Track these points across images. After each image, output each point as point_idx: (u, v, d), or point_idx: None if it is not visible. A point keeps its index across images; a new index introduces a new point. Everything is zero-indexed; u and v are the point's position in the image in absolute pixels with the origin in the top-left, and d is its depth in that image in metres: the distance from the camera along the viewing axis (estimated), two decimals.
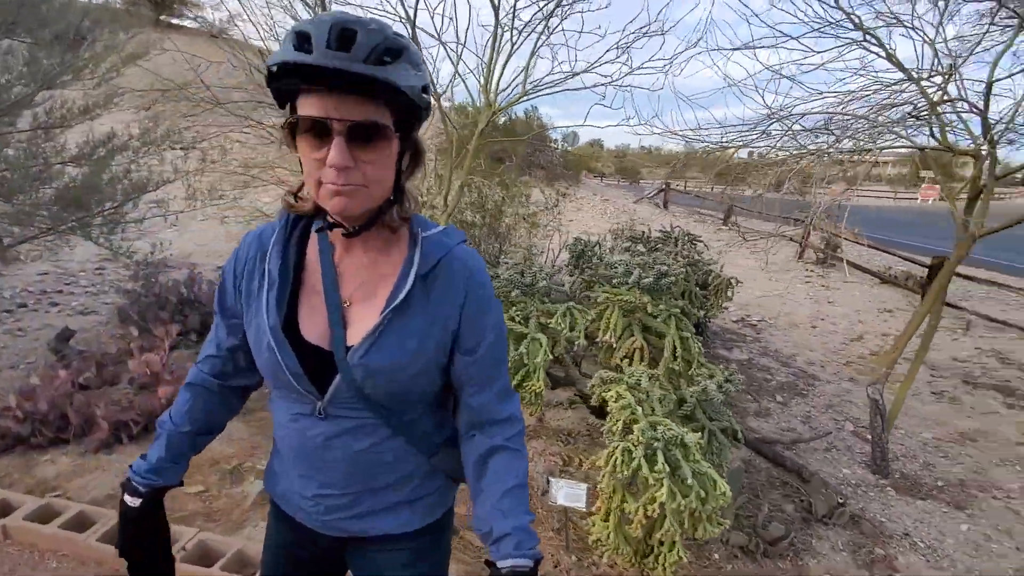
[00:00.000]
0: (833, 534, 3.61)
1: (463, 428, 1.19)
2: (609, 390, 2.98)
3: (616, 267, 3.69)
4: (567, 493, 3.26)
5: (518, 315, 3.61)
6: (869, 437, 4.98)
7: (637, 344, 3.59)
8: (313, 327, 1.07)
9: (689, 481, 2.47)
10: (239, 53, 4.30)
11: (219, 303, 1.19)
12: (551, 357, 3.27)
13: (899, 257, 9.48)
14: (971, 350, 7.11)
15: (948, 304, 8.71)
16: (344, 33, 0.85)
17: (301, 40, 0.86)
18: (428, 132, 7.22)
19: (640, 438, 2.55)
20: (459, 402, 1.18)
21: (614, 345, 3.67)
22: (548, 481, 4.16)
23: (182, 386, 1.28)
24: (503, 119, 11.87)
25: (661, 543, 2.64)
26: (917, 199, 33.61)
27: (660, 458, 2.49)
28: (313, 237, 1.12)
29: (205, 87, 4.04)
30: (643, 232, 6.98)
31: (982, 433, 5.03)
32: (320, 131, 0.91)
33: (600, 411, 4.50)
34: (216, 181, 6.44)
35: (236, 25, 4.72)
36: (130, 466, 1.22)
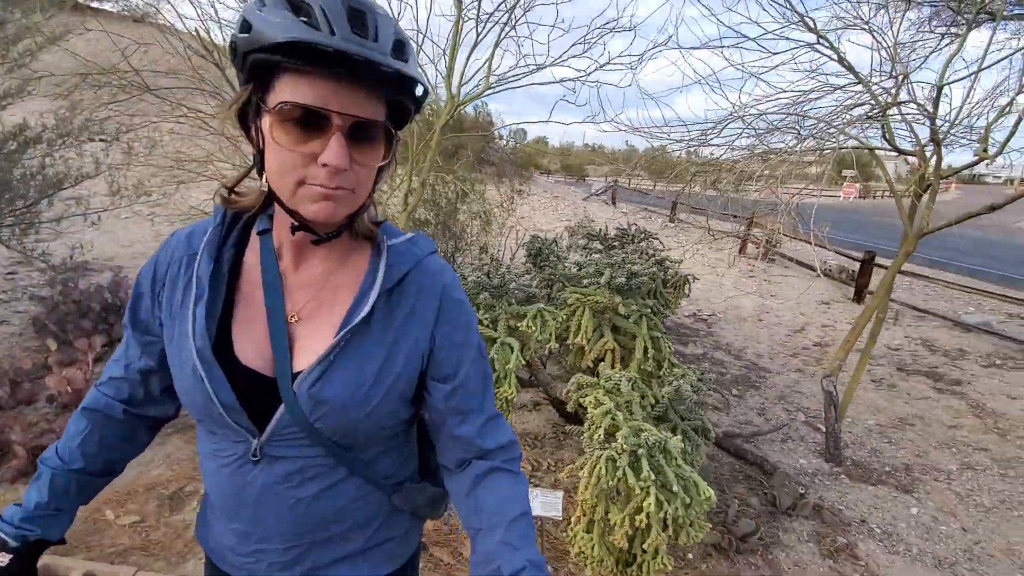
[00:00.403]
0: (798, 525, 3.68)
1: (450, 463, 1.03)
2: (586, 395, 2.88)
3: (586, 267, 3.60)
4: (543, 502, 3.14)
5: (486, 319, 3.45)
6: (821, 427, 5.18)
7: (608, 345, 3.52)
8: (251, 348, 0.89)
9: (675, 488, 2.40)
10: (171, 36, 3.88)
11: (131, 315, 0.98)
12: (523, 362, 3.13)
13: (834, 251, 10.04)
14: (901, 339, 7.59)
15: (873, 294, 9.29)
16: (355, 14, 0.72)
17: (300, 11, 0.69)
18: None
19: (624, 445, 2.45)
20: (440, 435, 1.02)
21: (585, 347, 3.58)
22: None
23: (76, 412, 1.04)
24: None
25: (644, 551, 2.57)
26: (839, 196, 35.92)
27: (645, 465, 2.41)
28: (254, 240, 0.94)
29: (133, 71, 3.61)
30: (600, 229, 6.96)
31: (918, 418, 5.34)
32: (313, 123, 0.75)
33: (569, 414, 4.41)
34: (144, 176, 5.88)
35: (163, 8, 4.27)
36: None
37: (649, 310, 3.59)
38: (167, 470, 4.04)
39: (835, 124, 3.95)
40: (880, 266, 9.64)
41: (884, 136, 3.70)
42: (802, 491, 3.98)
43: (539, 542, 3.46)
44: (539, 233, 6.01)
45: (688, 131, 3.75)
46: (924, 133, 3.75)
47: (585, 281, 3.49)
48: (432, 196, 7.67)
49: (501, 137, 17.29)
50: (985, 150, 3.23)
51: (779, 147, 3.87)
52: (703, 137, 3.90)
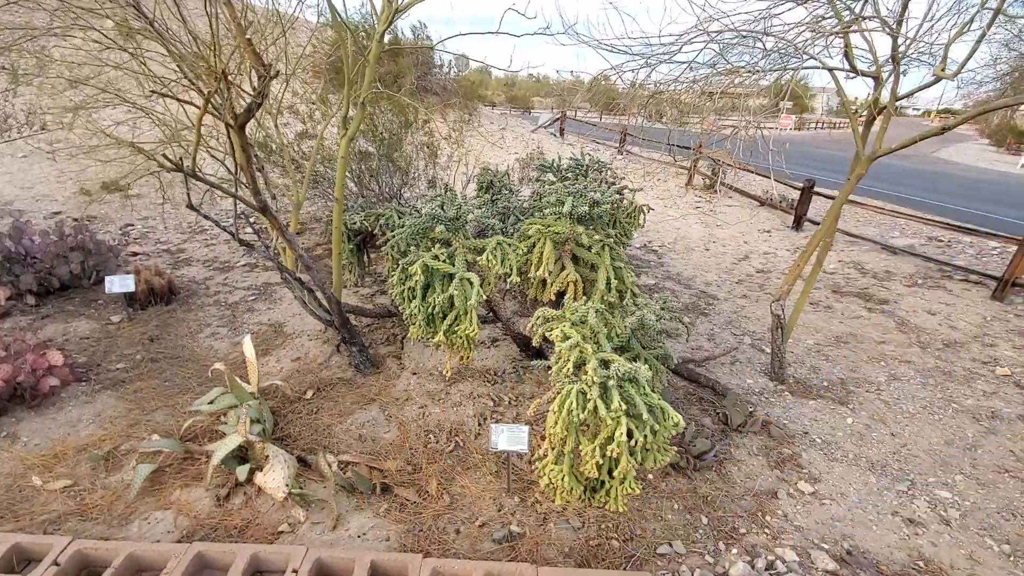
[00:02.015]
0: (748, 441, 3.86)
1: None
2: (552, 329, 2.77)
3: (547, 196, 3.40)
4: (508, 437, 3.09)
5: (442, 253, 3.23)
6: (765, 349, 5.41)
7: (571, 277, 3.40)
8: None
9: (644, 416, 2.37)
10: None
11: None
12: (484, 297, 2.98)
13: (777, 181, 10.27)
14: (836, 263, 7.96)
15: (811, 221, 9.65)
16: None
17: None
18: (307, 48, 6.19)
19: (594, 377, 2.38)
20: None
21: (547, 280, 3.45)
22: (481, 424, 4.01)
23: None
24: (387, 37, 10.64)
25: (611, 477, 2.57)
26: (775, 128, 36.68)
27: (615, 396, 2.36)
28: None
29: None
30: (552, 161, 6.71)
31: (852, 335, 5.67)
32: None
33: (531, 349, 4.35)
34: (35, 102, 5.04)
35: None
36: None
37: (612, 240, 3.47)
38: (98, 429, 3.71)
39: (796, 43, 3.80)
40: (819, 194, 9.96)
41: (845, 55, 3.60)
42: (751, 409, 4.16)
43: (504, 475, 3.45)
44: (489, 165, 5.72)
45: (650, 45, 3.50)
46: (883, 52, 3.67)
47: (548, 211, 3.30)
48: (372, 126, 7.10)
49: (442, 65, 16.21)
50: (943, 69, 3.19)
51: (742, 64, 3.69)
52: (667, 51, 3.67)
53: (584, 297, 3.47)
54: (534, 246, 3.38)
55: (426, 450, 3.66)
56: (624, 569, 2.77)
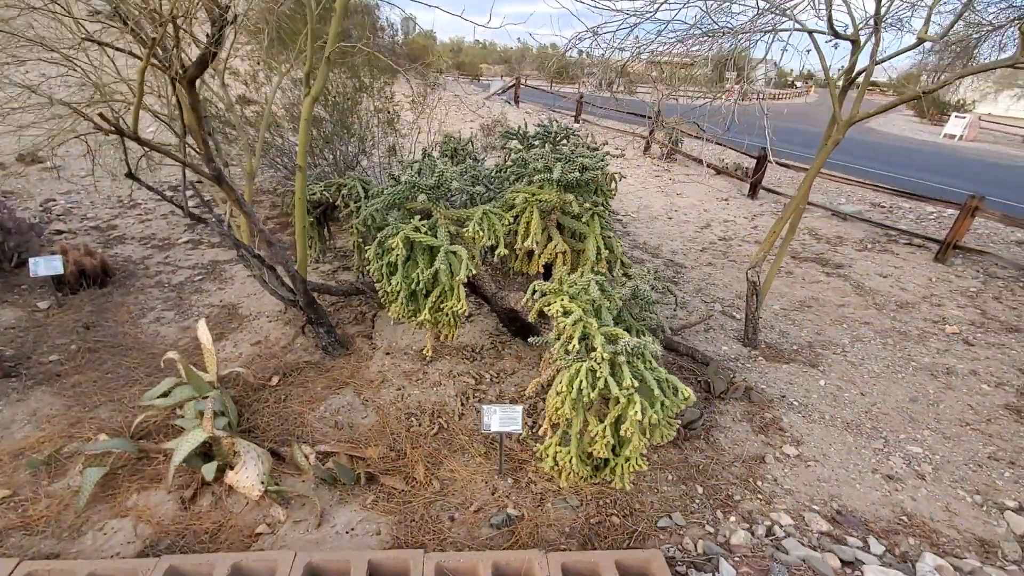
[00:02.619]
0: (730, 407, 3.89)
1: None
2: (551, 303, 2.60)
3: (533, 162, 3.18)
4: (502, 418, 2.94)
5: (423, 225, 2.97)
6: (736, 315, 5.47)
7: (559, 248, 3.23)
8: None
9: (656, 392, 2.26)
10: None
11: None
12: (473, 271, 2.76)
13: (732, 149, 10.42)
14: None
15: (766, 189, 9.87)
16: None
17: None
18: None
19: (603, 354, 2.24)
20: None
21: (535, 252, 3.27)
22: (464, 404, 3.84)
23: None
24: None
25: (615, 455, 2.47)
26: (722, 98, 37.40)
27: (627, 373, 2.23)
28: None
29: None
30: (518, 128, 6.44)
31: (814, 300, 5.83)
32: None
33: (515, 325, 4.18)
34: None
35: None
36: None
37: (600, 207, 3.31)
38: (35, 430, 3.28)
39: (777, 4, 3.70)
40: (779, 162, 10.20)
41: (828, 17, 3.52)
42: (732, 376, 4.18)
43: (494, 456, 3.31)
44: (450, 133, 5.39)
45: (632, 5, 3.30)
46: (861, 16, 3.62)
47: (536, 178, 3.08)
48: (324, 90, 6.56)
49: (386, 28, 15.33)
50: (927, 32, 3.17)
51: (725, 27, 3.55)
52: (647, 10, 3.47)
53: (569, 269, 3.31)
54: (519, 216, 3.17)
55: (409, 434, 3.46)
56: (628, 547, 2.71)
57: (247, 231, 4.02)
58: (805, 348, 4.86)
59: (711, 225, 8.31)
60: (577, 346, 2.32)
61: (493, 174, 4.37)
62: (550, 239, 3.32)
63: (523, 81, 18.27)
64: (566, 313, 2.48)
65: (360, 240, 4.73)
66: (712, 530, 2.83)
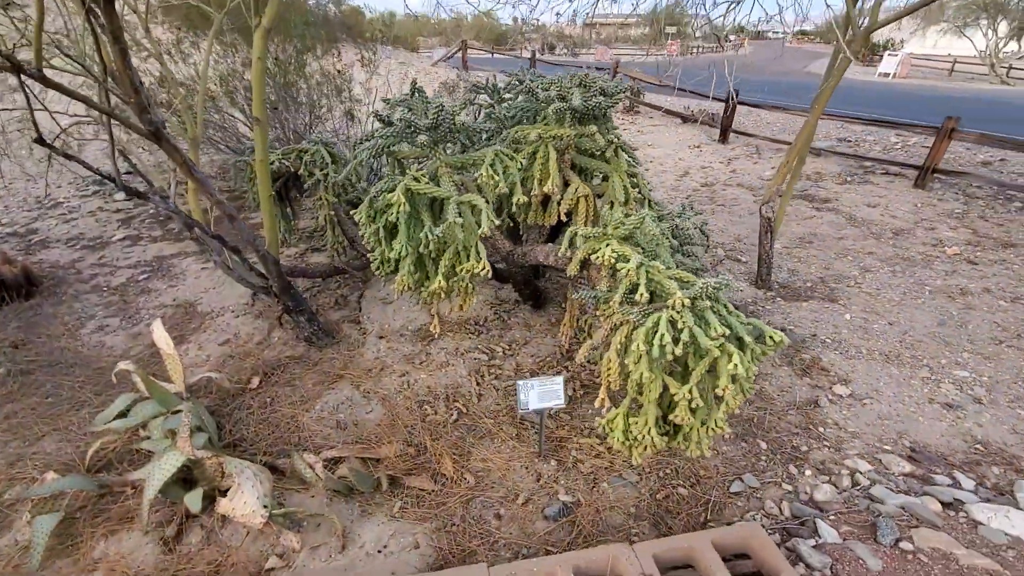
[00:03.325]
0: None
1: None
2: (596, 249, 2.15)
3: (545, 91, 2.68)
4: (540, 393, 2.50)
5: (421, 172, 2.44)
6: (741, 258, 5.20)
7: (581, 192, 2.77)
8: None
9: (747, 339, 1.87)
10: None
11: None
12: (496, 222, 2.26)
13: (698, 95, 10.11)
14: (769, 169, 7.99)
15: (736, 132, 9.66)
16: None
17: None
18: None
19: (684, 300, 1.82)
20: None
21: (552, 198, 2.79)
22: (480, 383, 3.38)
23: None
24: None
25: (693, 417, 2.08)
26: (664, 55, 37.33)
27: (714, 319, 1.82)
28: None
29: None
30: (486, 80, 5.86)
31: (812, 235, 5.63)
32: None
33: (531, 287, 3.70)
34: None
35: None
36: None
37: (621, 140, 2.86)
38: None
39: None
40: (751, 103, 9.95)
41: None
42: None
43: (532, 437, 2.89)
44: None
45: None
46: None
47: (552, 108, 2.58)
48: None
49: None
50: None
51: None
52: None
53: (592, 216, 2.86)
54: (532, 157, 2.68)
55: (425, 425, 2.99)
56: (705, 520, 2.36)
57: (197, 208, 3.36)
58: (819, 284, 4.63)
59: (689, 173, 8.02)
60: (646, 295, 1.89)
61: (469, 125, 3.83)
62: (566, 184, 2.84)
63: (468, 44, 17.38)
64: (622, 259, 2.04)
65: (332, 213, 4.12)
66: (791, 488, 2.51)
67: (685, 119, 10.66)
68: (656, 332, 1.78)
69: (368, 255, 2.65)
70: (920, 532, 2.14)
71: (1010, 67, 22.66)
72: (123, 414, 2.86)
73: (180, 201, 4.31)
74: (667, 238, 2.25)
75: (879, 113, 13.12)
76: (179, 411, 2.68)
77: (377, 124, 2.60)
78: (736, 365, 1.73)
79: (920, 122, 7.26)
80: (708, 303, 1.85)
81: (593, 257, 2.13)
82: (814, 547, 2.08)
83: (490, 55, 21.95)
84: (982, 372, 3.39)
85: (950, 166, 7.66)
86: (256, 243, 2.90)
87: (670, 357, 1.79)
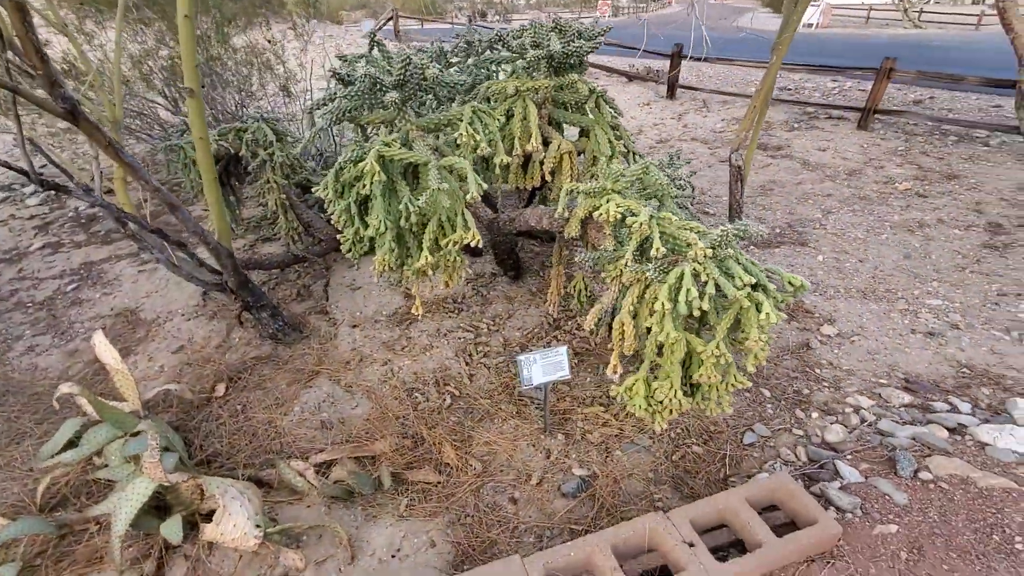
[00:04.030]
0: None
1: None
2: (598, 205, 1.98)
3: (520, 38, 2.44)
4: (544, 365, 2.35)
5: (393, 138, 2.18)
6: (708, 210, 5.18)
7: (564, 148, 2.57)
8: None
9: (770, 287, 1.77)
10: None
11: None
12: (484, 187, 2.04)
13: (644, 52, 9.95)
14: (719, 122, 8.02)
15: (683, 87, 9.65)
16: None
17: None
18: None
19: (704, 251, 1.68)
20: None
21: (534, 156, 2.59)
22: (470, 363, 3.19)
23: None
24: None
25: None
26: (597, 14, 37.03)
27: (737, 268, 1.70)
28: None
29: None
30: (431, 43, 5.50)
31: (772, 182, 5.68)
32: None
33: (513, 256, 3.50)
34: None
35: None
36: None
37: (599, 89, 2.67)
38: None
39: None
40: (695, 58, 9.91)
41: None
42: None
43: (536, 414, 2.75)
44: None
45: None
46: None
47: (529, 56, 2.35)
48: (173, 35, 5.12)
49: None
50: None
51: None
52: None
53: (575, 174, 2.68)
54: (515, 110, 2.45)
55: (418, 414, 2.79)
56: (725, 476, 2.30)
57: (129, 201, 2.95)
58: (787, 229, 4.67)
59: (643, 131, 7.94)
60: (663, 248, 1.74)
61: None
62: (546, 142, 2.64)
63: (400, 13, 16.53)
64: (630, 212, 1.88)
65: (283, 196, 3.75)
66: (801, 432, 2.49)
67: (631, 77, 10.55)
68: (680, 287, 1.64)
69: (328, 238, 2.38)
70: (934, 460, 2.15)
71: (921, 11, 23.82)
72: (72, 443, 2.51)
73: (107, 197, 3.81)
74: (671, 188, 2.10)
75: (806, 60, 13.47)
76: (139, 432, 2.36)
77: (332, 87, 2.29)
78: (768, 314, 1.62)
79: (856, 66, 7.44)
80: (730, 251, 1.72)
81: (596, 214, 1.96)
82: (840, 489, 2.05)
83: (420, 25, 21.04)
84: (953, 299, 3.50)
85: (887, 106, 7.92)
86: (205, 235, 2.55)
87: (697, 313, 1.66)
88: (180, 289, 3.91)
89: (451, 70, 3.76)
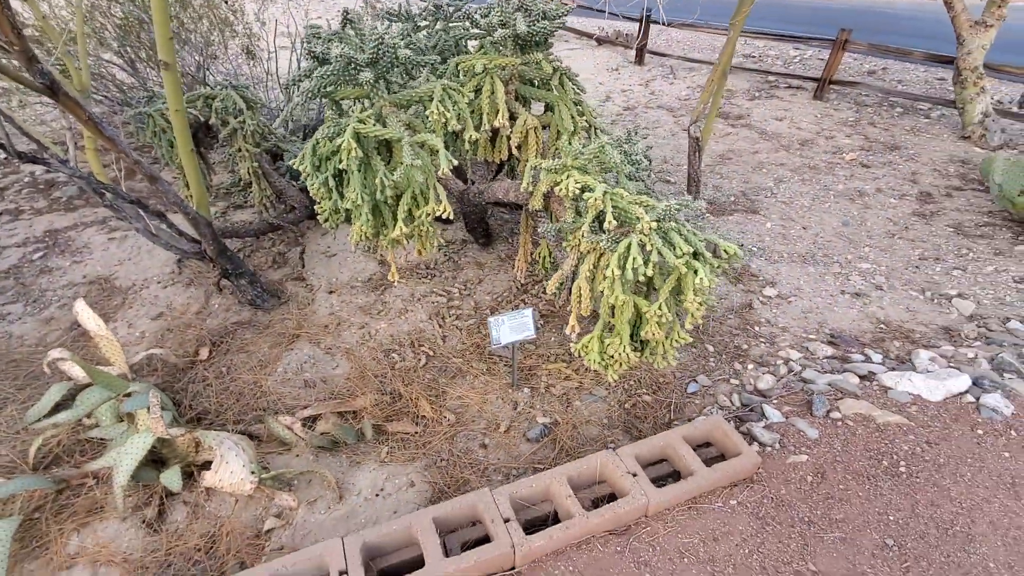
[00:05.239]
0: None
1: None
2: (558, 181, 2.19)
3: (487, 17, 2.57)
4: (512, 326, 2.60)
5: (368, 114, 2.32)
6: (669, 179, 5.44)
7: (530, 124, 2.75)
8: None
9: (706, 255, 2.03)
10: None
11: None
12: (455, 163, 2.22)
13: (611, 14, 9.96)
14: (685, 89, 8.22)
15: (652, 52, 9.75)
16: None
17: None
18: None
19: (650, 224, 1.93)
20: None
21: (501, 132, 2.76)
22: (442, 326, 3.41)
23: None
24: None
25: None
26: None
27: (678, 239, 1.95)
28: None
29: None
30: (399, 6, 5.47)
31: (731, 151, 5.96)
32: None
33: (483, 225, 3.68)
34: None
35: None
36: None
37: (563, 66, 2.83)
38: None
39: None
40: (668, 23, 9.95)
41: None
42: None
43: (504, 369, 3.01)
44: (314, 23, 4.37)
45: None
46: None
47: (497, 34, 2.49)
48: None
49: None
50: None
51: None
52: None
53: (540, 149, 2.87)
54: (483, 87, 2.60)
55: (396, 372, 3.01)
56: (670, 420, 2.62)
57: (102, 172, 2.99)
58: (741, 198, 4.98)
59: (611, 97, 8.07)
60: (615, 221, 1.97)
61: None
62: (512, 117, 2.80)
63: None
64: (587, 188, 2.09)
65: (256, 165, 3.81)
66: (737, 382, 2.83)
67: (600, 41, 10.56)
68: (628, 256, 1.89)
69: (301, 206, 2.53)
70: (844, 402, 2.51)
71: None
72: (59, 406, 2.65)
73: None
74: (625, 165, 2.32)
75: (773, 25, 13.65)
76: (131, 393, 2.52)
77: (306, 64, 2.39)
78: (703, 279, 1.88)
79: (816, 35, 7.70)
80: (673, 224, 1.97)
81: (556, 189, 2.17)
82: (764, 427, 2.40)
83: None
84: (881, 263, 3.89)
85: (843, 76, 8.25)
86: (184, 205, 2.65)
87: (642, 279, 1.91)
88: (152, 257, 3.96)
89: (419, 35, 3.83)
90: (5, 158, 5.60)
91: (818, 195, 4.94)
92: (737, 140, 6.25)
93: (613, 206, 2.03)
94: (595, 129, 2.92)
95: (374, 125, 2.26)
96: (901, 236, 4.22)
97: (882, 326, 3.24)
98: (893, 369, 2.78)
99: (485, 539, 1.88)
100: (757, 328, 3.26)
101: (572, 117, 2.75)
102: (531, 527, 1.94)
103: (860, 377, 2.71)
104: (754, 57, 9.86)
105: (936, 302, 3.43)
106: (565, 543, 1.87)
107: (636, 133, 2.91)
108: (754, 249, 4.12)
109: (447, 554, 1.81)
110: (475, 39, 3.19)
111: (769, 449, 2.29)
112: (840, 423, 2.41)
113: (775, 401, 2.60)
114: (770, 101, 7.47)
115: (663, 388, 2.83)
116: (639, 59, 9.46)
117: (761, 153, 5.89)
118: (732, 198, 4.97)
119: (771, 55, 9.99)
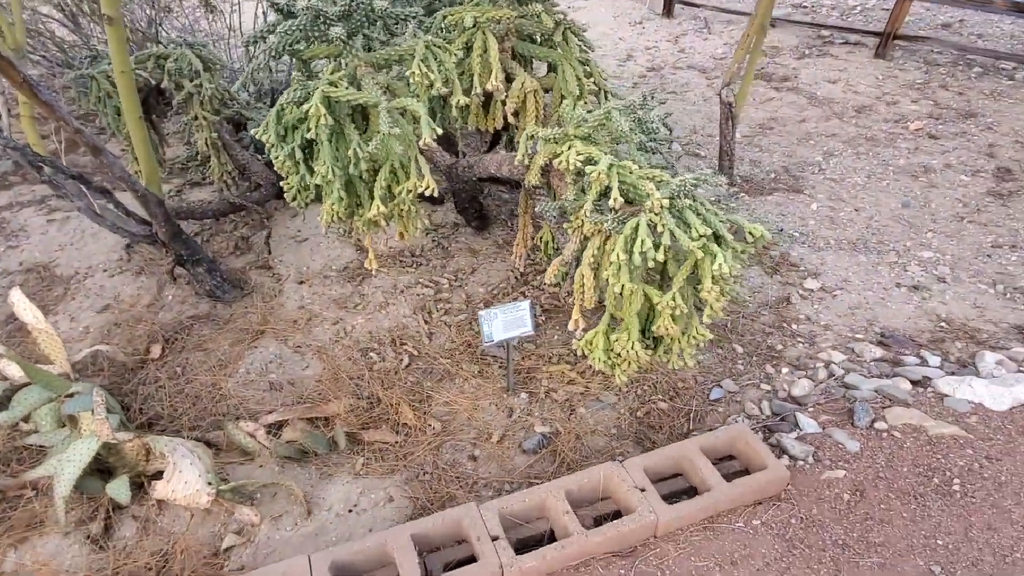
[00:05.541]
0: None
1: None
2: (558, 152, 2.26)
3: None
4: (505, 322, 2.68)
5: (339, 75, 2.39)
6: (699, 152, 5.49)
7: (529, 87, 2.81)
8: None
9: (727, 237, 2.09)
10: None
11: None
12: (439, 131, 2.29)
13: None
14: (722, 46, 8.22)
15: (682, 2, 9.75)
16: None
17: None
18: None
19: (661, 201, 1.99)
20: None
21: (496, 96, 2.82)
22: (429, 321, 3.49)
23: None
24: None
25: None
26: None
27: (694, 218, 2.01)
28: None
29: None
30: None
31: (773, 120, 5.99)
32: None
33: (476, 205, 3.76)
34: None
35: None
36: None
37: (568, 19, 2.89)
38: None
39: None
40: None
41: None
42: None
43: (498, 372, 3.09)
44: None
45: None
46: None
47: None
48: None
49: None
50: None
51: None
52: None
53: (541, 116, 2.93)
54: (474, 45, 2.66)
55: (373, 374, 3.10)
56: (688, 430, 2.69)
57: (39, 143, 3.10)
58: (783, 174, 5.01)
59: (633, 56, 8.10)
60: (620, 199, 2.04)
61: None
62: (509, 79, 2.87)
63: None
64: (590, 161, 2.16)
65: (215, 135, 3.90)
66: (769, 388, 2.89)
67: None
68: (636, 239, 1.95)
69: (267, 183, 2.61)
70: (892, 411, 2.57)
71: None
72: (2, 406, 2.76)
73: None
74: (635, 134, 2.38)
75: None
76: (73, 394, 2.62)
77: (272, 17, 2.47)
78: (721, 265, 1.95)
79: None
80: (688, 202, 2.03)
81: (555, 162, 2.23)
82: (796, 439, 2.46)
83: None
84: (945, 251, 3.92)
85: (911, 31, 8.21)
86: (132, 181, 2.75)
87: (652, 264, 1.98)
88: (98, 241, 4.08)
89: None
90: None
91: (874, 171, 4.96)
92: (781, 106, 6.26)
93: (620, 181, 2.09)
94: (605, 93, 2.98)
95: (347, 88, 2.34)
96: (972, 220, 4.24)
97: (943, 324, 3.28)
98: (952, 374, 2.82)
99: (471, 559, 1.96)
100: (795, 326, 3.31)
101: (578, 79, 2.81)
102: (523, 547, 2.03)
103: (912, 383, 2.76)
104: (805, 7, 9.83)
105: (1009, 296, 3.47)
106: (561, 564, 1.95)
107: (652, 97, 2.97)
108: (795, 234, 4.16)
109: (427, 575, 1.89)
110: None
111: (801, 463, 2.35)
112: (885, 435, 2.47)
113: (811, 409, 2.66)
114: (822, 60, 7.47)
115: (682, 394, 2.90)
116: (667, 10, 9.46)
117: (809, 122, 5.90)
118: (772, 174, 5.01)
119: (826, 5, 9.94)
